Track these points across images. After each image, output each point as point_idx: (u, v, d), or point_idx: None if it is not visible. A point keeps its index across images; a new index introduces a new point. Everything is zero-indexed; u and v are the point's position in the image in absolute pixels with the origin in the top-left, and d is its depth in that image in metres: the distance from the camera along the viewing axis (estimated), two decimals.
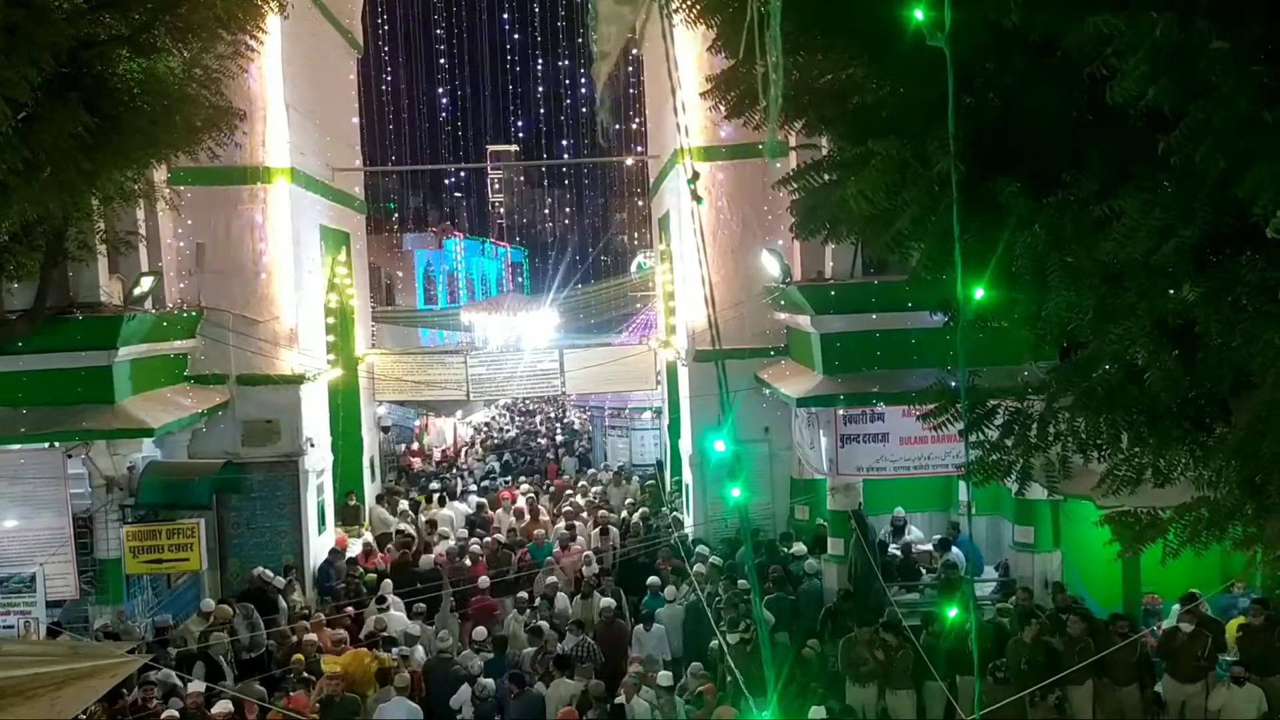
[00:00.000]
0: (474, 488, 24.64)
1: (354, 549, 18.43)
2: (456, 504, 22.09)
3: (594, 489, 23.21)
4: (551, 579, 15.55)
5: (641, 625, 13.77)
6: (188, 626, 14.11)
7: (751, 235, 17.59)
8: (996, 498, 15.14)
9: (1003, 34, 5.16)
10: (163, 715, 10.81)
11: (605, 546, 17.64)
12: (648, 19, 17.56)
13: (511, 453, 31.39)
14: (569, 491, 22.88)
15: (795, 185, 6.95)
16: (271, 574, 15.88)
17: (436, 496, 22.22)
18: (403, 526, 19.73)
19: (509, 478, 26.19)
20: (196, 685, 11.23)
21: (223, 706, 10.92)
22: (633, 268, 52.66)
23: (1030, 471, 6.54)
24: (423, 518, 20.59)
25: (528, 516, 19.70)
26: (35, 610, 13.73)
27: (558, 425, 37.06)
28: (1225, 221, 4.72)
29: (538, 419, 38.32)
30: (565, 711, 11.04)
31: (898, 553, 15.48)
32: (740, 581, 14.27)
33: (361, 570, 17.04)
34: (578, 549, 16.85)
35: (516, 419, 39.47)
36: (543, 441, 33.82)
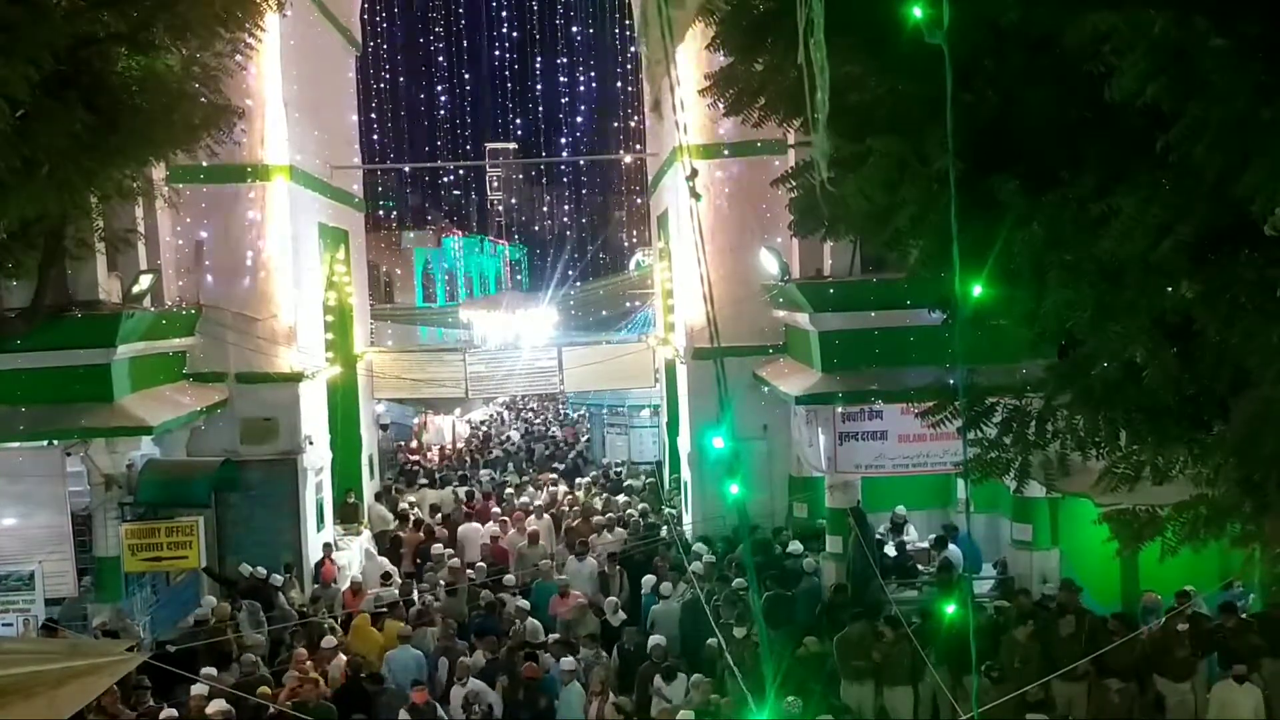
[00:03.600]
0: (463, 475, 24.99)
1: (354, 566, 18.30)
2: (443, 491, 22.82)
3: (561, 493, 22.59)
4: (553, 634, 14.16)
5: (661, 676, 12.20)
6: (188, 623, 14.13)
7: (750, 233, 17.57)
8: (995, 495, 15.13)
9: (1001, 32, 5.17)
10: (161, 715, 10.83)
11: (612, 571, 16.38)
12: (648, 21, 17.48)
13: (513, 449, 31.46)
14: (568, 496, 22.59)
15: (793, 183, 6.96)
16: (265, 570, 15.91)
17: (424, 483, 23.51)
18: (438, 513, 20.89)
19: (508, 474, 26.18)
20: (199, 688, 11.23)
21: (217, 705, 10.92)
22: (631, 265, 52.73)
23: (1028, 469, 6.56)
24: (410, 498, 21.86)
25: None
26: (34, 608, 13.73)
27: (557, 424, 37.14)
28: (1223, 219, 4.73)
29: (510, 420, 38.52)
30: (528, 668, 12.08)
31: (893, 550, 15.46)
32: (736, 580, 14.28)
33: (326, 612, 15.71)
34: (577, 596, 14.96)
35: (511, 418, 39.60)
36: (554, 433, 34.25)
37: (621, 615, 14.52)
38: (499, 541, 18.44)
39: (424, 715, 11.56)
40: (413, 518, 20.57)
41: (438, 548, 17.71)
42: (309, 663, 12.47)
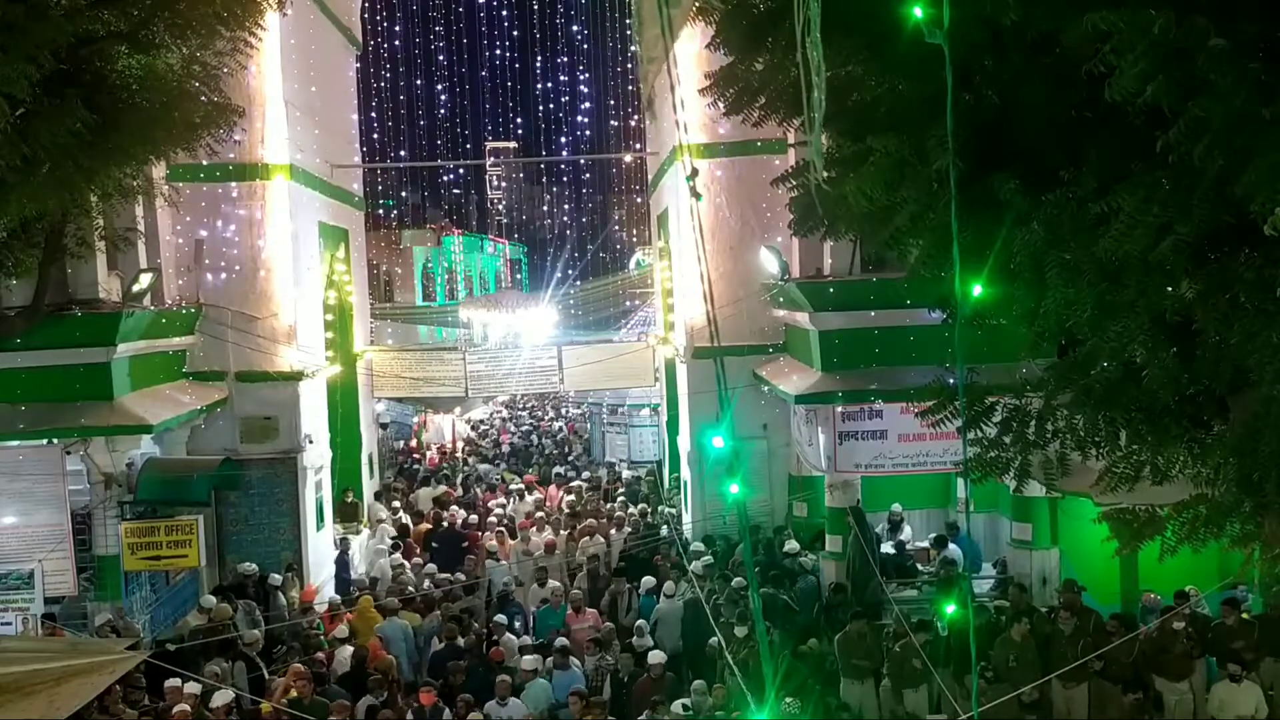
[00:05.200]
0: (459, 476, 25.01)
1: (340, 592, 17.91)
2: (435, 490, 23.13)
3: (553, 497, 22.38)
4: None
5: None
6: (187, 621, 14.13)
7: (750, 232, 17.58)
8: (995, 495, 15.14)
9: (1001, 31, 5.17)
10: (174, 709, 10.88)
11: (620, 589, 15.70)
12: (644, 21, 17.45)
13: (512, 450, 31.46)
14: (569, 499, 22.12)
15: (793, 182, 6.97)
16: (253, 567, 15.99)
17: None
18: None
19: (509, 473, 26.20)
20: (224, 695, 11.34)
21: (223, 697, 11.09)
22: (631, 264, 52.77)
23: (1028, 468, 6.57)
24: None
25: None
26: (33, 607, 13.73)
27: (555, 424, 37.06)
28: (1223, 218, 4.73)
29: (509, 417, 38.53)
30: (494, 651, 12.57)
31: (891, 549, 15.46)
32: (736, 580, 14.27)
33: (319, 623, 15.32)
34: (592, 614, 14.72)
35: (515, 415, 39.57)
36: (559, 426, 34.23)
37: (649, 641, 13.45)
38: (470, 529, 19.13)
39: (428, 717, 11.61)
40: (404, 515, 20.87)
41: (397, 557, 17.66)
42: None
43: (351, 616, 14.57)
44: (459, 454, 30.16)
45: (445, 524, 19.60)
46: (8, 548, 13.87)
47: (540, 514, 20.78)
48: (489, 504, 21.85)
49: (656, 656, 12.58)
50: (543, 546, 17.66)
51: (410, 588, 15.89)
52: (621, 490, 22.64)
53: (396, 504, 21.41)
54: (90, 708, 10.19)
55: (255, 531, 17.10)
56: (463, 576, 16.27)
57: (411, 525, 20.06)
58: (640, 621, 14.09)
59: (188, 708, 10.89)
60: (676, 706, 11.31)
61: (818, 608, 14.17)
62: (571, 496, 21.89)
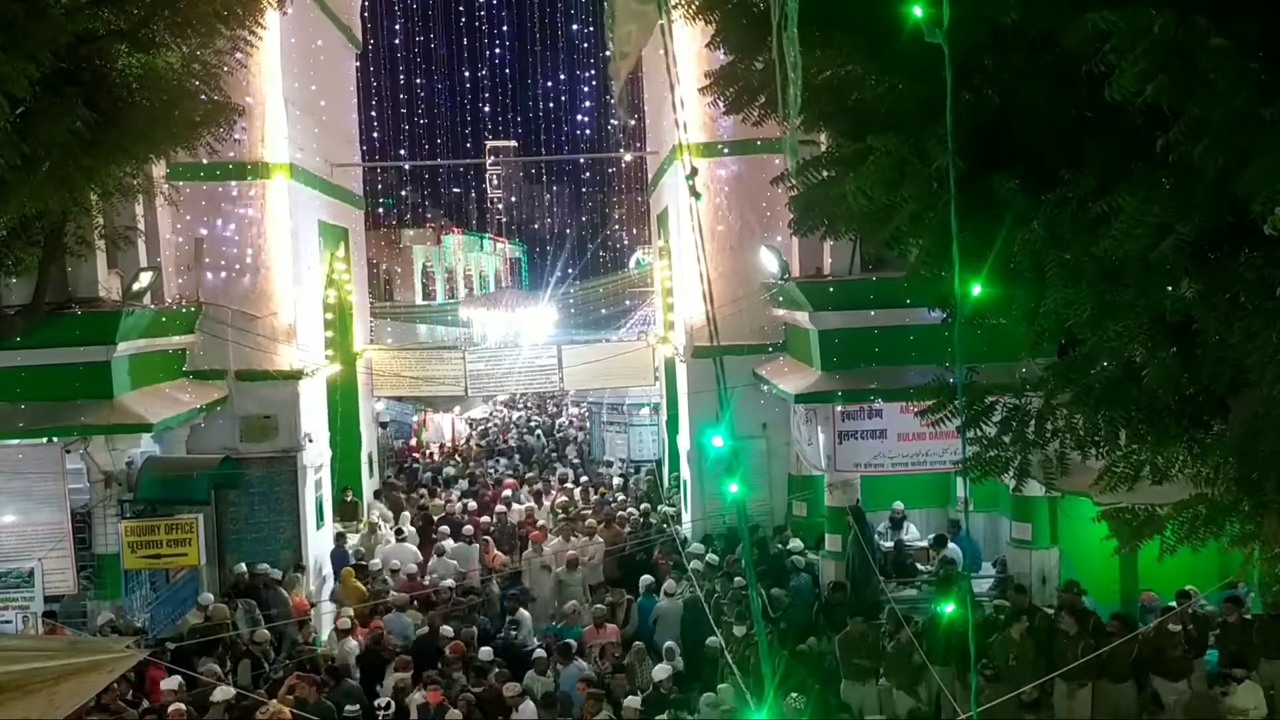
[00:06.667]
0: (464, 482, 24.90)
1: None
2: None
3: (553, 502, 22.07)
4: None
5: None
6: (186, 620, 14.13)
7: (750, 231, 17.58)
8: (994, 494, 15.15)
9: (1001, 31, 5.17)
10: (170, 708, 10.89)
11: (619, 599, 15.37)
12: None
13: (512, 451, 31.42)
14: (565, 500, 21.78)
15: (794, 181, 6.96)
16: (248, 566, 16.03)
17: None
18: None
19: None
20: (225, 691, 11.38)
21: (223, 693, 11.14)
22: (631, 264, 52.83)
23: (1028, 468, 6.57)
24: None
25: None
26: (33, 605, 13.74)
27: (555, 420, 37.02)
28: (1223, 218, 4.73)
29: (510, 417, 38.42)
30: (453, 645, 12.76)
31: (890, 546, 15.45)
32: (736, 579, 14.27)
33: (315, 636, 15.10)
34: (613, 629, 14.19)
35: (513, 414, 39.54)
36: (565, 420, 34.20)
37: (679, 664, 12.87)
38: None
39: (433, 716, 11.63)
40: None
41: (376, 563, 17.64)
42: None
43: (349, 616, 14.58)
44: (459, 452, 30.15)
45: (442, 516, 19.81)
46: (7, 546, 13.88)
47: (542, 522, 20.54)
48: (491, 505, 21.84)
49: (661, 672, 12.10)
50: (554, 556, 17.17)
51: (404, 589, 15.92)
52: (617, 492, 22.63)
53: (383, 512, 21.20)
54: (89, 707, 10.21)
55: (255, 530, 17.08)
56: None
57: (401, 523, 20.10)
58: (669, 644, 13.38)
59: (182, 706, 10.91)
60: (633, 702, 11.14)
61: (816, 607, 14.16)
62: (564, 499, 21.77)
